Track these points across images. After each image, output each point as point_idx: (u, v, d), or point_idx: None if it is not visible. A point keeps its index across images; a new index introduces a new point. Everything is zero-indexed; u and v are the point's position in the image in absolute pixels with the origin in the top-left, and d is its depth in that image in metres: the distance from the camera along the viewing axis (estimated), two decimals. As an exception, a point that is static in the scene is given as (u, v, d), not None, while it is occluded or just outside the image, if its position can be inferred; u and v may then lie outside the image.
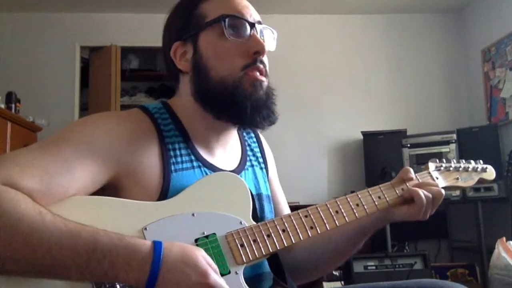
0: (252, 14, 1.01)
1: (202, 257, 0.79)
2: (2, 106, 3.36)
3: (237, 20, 0.98)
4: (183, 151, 0.97)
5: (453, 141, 3.79)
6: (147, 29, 4.40)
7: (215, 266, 0.81)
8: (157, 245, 0.77)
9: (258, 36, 1.00)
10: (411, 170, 1.07)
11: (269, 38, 1.06)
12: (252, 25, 0.99)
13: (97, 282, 0.75)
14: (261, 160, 1.16)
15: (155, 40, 4.80)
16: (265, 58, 1.01)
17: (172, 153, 0.96)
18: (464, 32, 4.55)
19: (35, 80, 4.22)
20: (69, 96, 4.31)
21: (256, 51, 0.98)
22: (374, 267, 3.27)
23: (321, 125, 4.39)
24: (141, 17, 4.42)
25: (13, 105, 3.50)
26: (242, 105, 0.96)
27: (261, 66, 0.99)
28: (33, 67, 4.27)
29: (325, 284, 3.15)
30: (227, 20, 0.97)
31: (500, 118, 3.99)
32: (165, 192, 0.91)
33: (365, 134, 4.10)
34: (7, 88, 3.60)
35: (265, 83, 1.00)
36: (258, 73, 0.98)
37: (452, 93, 4.51)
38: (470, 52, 4.44)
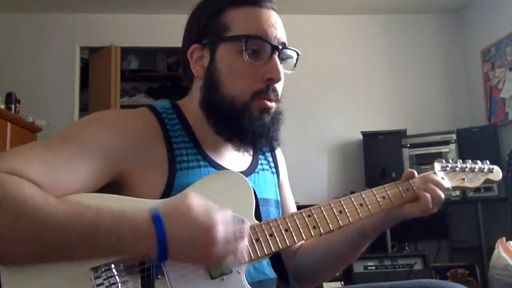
0: (277, 34, 0.97)
1: (198, 207, 0.78)
2: (2, 106, 3.36)
3: (259, 42, 0.95)
4: (189, 151, 0.97)
5: (453, 141, 3.80)
6: (147, 29, 4.41)
7: (223, 212, 0.80)
8: (155, 218, 0.76)
9: (278, 61, 0.96)
10: (415, 171, 1.07)
11: (291, 59, 1.02)
12: (274, 49, 0.96)
13: (95, 268, 0.75)
14: (272, 165, 1.16)
15: (155, 40, 4.78)
16: (280, 82, 0.98)
17: (178, 152, 0.95)
18: (464, 32, 4.55)
19: (35, 80, 4.22)
20: (69, 96, 4.30)
21: (270, 78, 0.95)
22: (374, 267, 3.28)
23: (321, 125, 4.39)
24: (141, 17, 4.42)
25: (13, 106, 3.50)
26: (245, 129, 0.95)
27: (272, 94, 0.96)
28: (33, 67, 4.26)
29: (325, 284, 3.15)
30: (248, 41, 0.93)
31: (500, 118, 4.00)
32: (169, 190, 0.91)
33: (365, 134, 4.10)
34: (7, 89, 3.61)
35: (273, 110, 0.98)
36: (267, 101, 0.96)
37: (452, 93, 4.51)
38: (470, 52, 4.45)
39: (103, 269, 0.76)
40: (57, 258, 0.74)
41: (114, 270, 0.77)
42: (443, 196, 1.03)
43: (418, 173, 1.08)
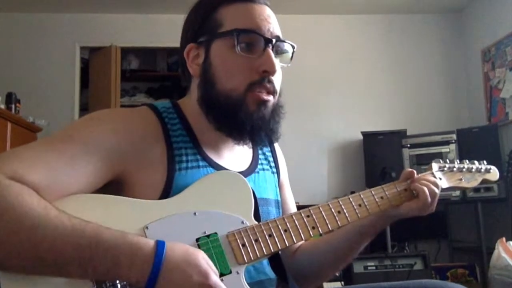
0: (270, 28, 0.97)
1: (203, 258, 0.80)
2: (2, 106, 3.36)
3: (252, 35, 0.95)
4: (189, 151, 0.97)
5: (453, 141, 3.80)
6: (147, 29, 4.41)
7: (215, 269, 0.81)
8: (159, 245, 0.77)
9: (272, 53, 0.95)
10: (414, 171, 1.07)
11: (287, 53, 1.02)
12: (268, 41, 0.96)
13: (98, 280, 0.75)
14: (273, 164, 1.15)
15: (155, 40, 4.78)
16: (277, 75, 0.97)
17: (177, 152, 0.95)
18: (464, 32, 4.55)
19: (35, 80, 4.22)
20: (69, 96, 4.30)
21: (265, 70, 0.95)
22: (374, 268, 3.27)
23: (321, 125, 4.39)
24: (141, 17, 4.42)
25: (13, 106, 3.51)
26: (243, 122, 0.95)
27: (268, 85, 0.96)
28: (33, 67, 4.26)
29: (325, 284, 3.15)
30: (240, 35, 0.94)
31: (500, 118, 3.99)
32: (168, 190, 0.91)
33: (365, 134, 4.10)
34: (7, 88, 3.61)
35: (271, 103, 0.97)
36: (263, 93, 0.95)
37: (452, 93, 4.51)
38: (470, 52, 4.45)
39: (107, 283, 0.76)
40: (50, 273, 0.73)
41: (118, 285, 0.76)
42: (437, 191, 1.03)
43: (418, 173, 1.08)
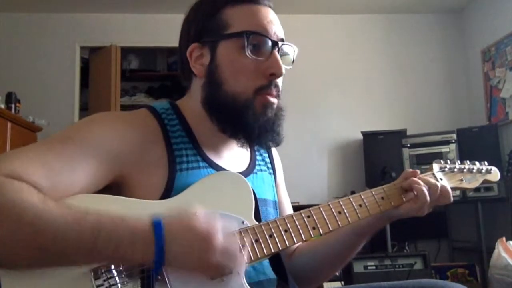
0: (276, 30, 0.98)
1: (203, 222, 0.77)
2: (2, 106, 3.37)
3: (260, 37, 0.96)
4: (189, 152, 0.97)
5: (453, 141, 3.80)
6: (147, 29, 4.41)
7: (218, 226, 0.78)
8: (156, 224, 0.76)
9: (278, 56, 0.97)
10: (417, 171, 1.07)
11: (288, 55, 1.03)
12: (275, 44, 0.97)
13: (95, 269, 0.75)
14: (270, 165, 1.16)
15: (155, 40, 4.77)
16: (280, 78, 0.99)
17: (177, 152, 0.95)
18: (464, 32, 4.55)
19: (35, 80, 4.22)
20: (69, 96, 4.31)
21: (272, 73, 0.96)
22: (374, 267, 3.27)
23: (321, 125, 4.39)
24: (141, 17, 4.42)
25: (13, 105, 3.51)
26: (250, 125, 0.95)
27: (275, 89, 0.98)
28: (33, 67, 4.27)
29: (325, 284, 3.15)
30: (250, 37, 0.95)
31: (500, 118, 4.00)
32: (169, 191, 0.91)
33: (365, 134, 4.10)
34: (7, 88, 3.61)
35: (276, 105, 0.99)
36: (270, 96, 0.97)
37: (452, 93, 4.51)
38: (470, 52, 4.45)
39: (103, 270, 0.76)
40: (56, 264, 0.74)
41: (114, 271, 0.77)
42: (437, 192, 1.03)
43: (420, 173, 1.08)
